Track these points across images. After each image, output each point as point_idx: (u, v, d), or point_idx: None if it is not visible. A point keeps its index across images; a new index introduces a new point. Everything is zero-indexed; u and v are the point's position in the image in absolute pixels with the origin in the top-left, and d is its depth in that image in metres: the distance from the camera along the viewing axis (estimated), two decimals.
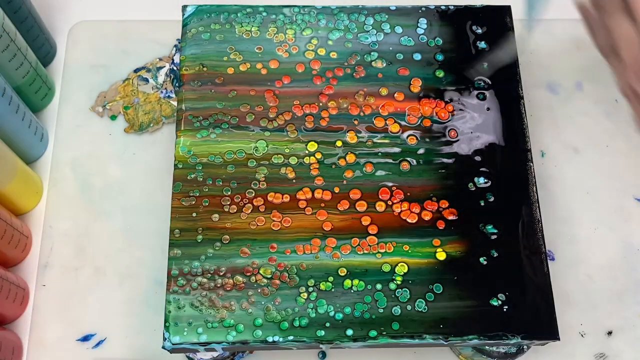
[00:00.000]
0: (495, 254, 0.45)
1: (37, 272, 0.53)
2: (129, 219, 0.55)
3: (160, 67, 0.60)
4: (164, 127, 0.57)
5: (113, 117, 0.58)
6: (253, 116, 0.48)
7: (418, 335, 0.43)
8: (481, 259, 0.45)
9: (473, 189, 0.47)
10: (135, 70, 0.60)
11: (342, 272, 0.45)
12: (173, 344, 0.43)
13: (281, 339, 0.43)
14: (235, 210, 0.46)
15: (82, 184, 0.56)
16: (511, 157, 0.48)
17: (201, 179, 0.46)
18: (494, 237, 0.46)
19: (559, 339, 0.44)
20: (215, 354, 0.47)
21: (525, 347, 0.47)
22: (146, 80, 0.59)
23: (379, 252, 0.45)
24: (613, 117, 0.59)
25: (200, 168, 0.47)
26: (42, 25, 0.58)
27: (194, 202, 0.46)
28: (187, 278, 0.44)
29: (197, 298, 0.44)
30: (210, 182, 0.46)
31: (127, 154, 0.57)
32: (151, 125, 0.57)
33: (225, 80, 0.49)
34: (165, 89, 0.59)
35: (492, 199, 0.47)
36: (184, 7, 0.52)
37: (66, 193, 0.55)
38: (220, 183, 0.46)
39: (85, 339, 0.51)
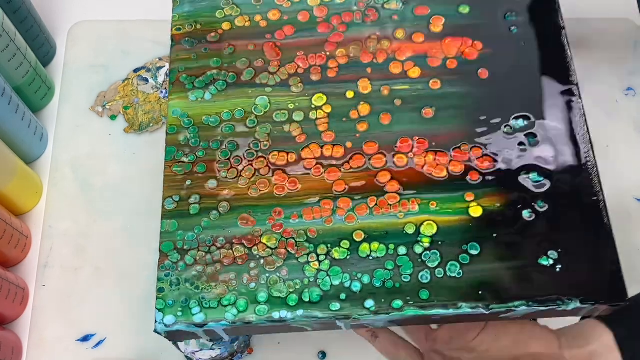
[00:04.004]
0: (543, 206, 0.38)
1: (37, 272, 0.52)
2: (129, 219, 0.53)
3: (160, 67, 0.59)
4: (163, 126, 0.56)
5: (113, 117, 0.57)
6: (253, 72, 0.43)
7: (452, 304, 0.36)
8: (525, 212, 0.38)
9: (511, 133, 0.40)
10: (135, 70, 0.59)
11: (359, 236, 0.38)
12: (166, 326, 0.37)
13: (289, 315, 0.37)
14: (234, 176, 0.40)
15: (82, 184, 0.55)
16: (553, 95, 0.41)
17: (196, 144, 0.41)
18: (539, 186, 0.39)
19: (628, 302, 0.36)
20: (214, 354, 0.43)
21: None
22: (146, 80, 0.59)
23: (400, 212, 0.38)
24: (613, 117, 0.58)
25: (194, 131, 0.41)
26: (42, 25, 0.58)
27: (188, 169, 0.40)
28: (181, 252, 0.38)
29: (193, 274, 0.38)
30: (206, 146, 0.41)
31: (127, 154, 0.56)
32: (151, 125, 0.57)
33: (220, 37, 0.44)
34: (165, 88, 0.58)
35: (534, 142, 0.39)
36: None
37: (66, 193, 0.55)
38: (217, 146, 0.41)
39: (85, 339, 0.50)
